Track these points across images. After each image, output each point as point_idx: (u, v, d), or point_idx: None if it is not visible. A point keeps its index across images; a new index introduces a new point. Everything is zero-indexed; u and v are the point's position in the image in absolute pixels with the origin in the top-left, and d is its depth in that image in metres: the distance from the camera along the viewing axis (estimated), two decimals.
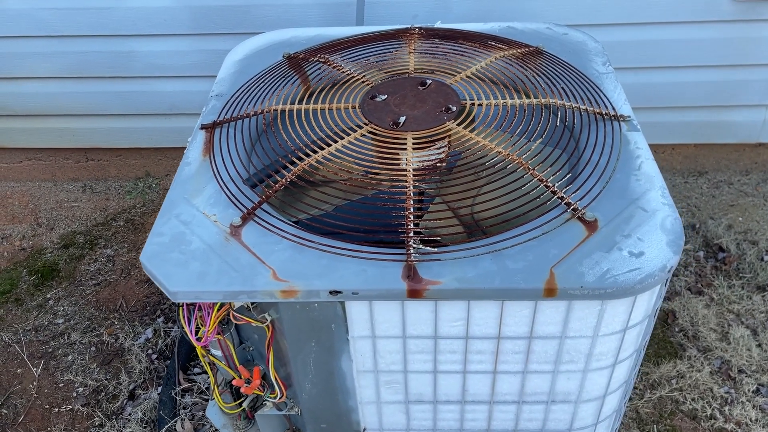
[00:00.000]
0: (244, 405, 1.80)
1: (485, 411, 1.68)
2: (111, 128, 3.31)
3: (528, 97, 1.77)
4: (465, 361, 1.54)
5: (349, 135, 1.64)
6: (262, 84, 1.92)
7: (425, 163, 1.62)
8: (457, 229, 1.62)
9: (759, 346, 2.47)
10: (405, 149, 1.58)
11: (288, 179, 1.55)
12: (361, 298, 1.38)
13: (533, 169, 1.50)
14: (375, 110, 1.71)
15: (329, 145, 1.62)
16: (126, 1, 2.84)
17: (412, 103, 1.72)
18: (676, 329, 2.57)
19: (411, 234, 1.39)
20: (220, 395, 1.79)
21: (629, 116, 1.72)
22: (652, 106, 3.08)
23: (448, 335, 1.48)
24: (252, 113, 1.80)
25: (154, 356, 2.56)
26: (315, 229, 1.46)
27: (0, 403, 2.42)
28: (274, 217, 1.49)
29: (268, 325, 1.53)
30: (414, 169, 1.53)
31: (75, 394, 2.45)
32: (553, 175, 1.51)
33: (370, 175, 1.56)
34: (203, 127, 1.81)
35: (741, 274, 2.76)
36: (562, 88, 1.79)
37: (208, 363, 1.73)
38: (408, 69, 1.90)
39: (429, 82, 1.79)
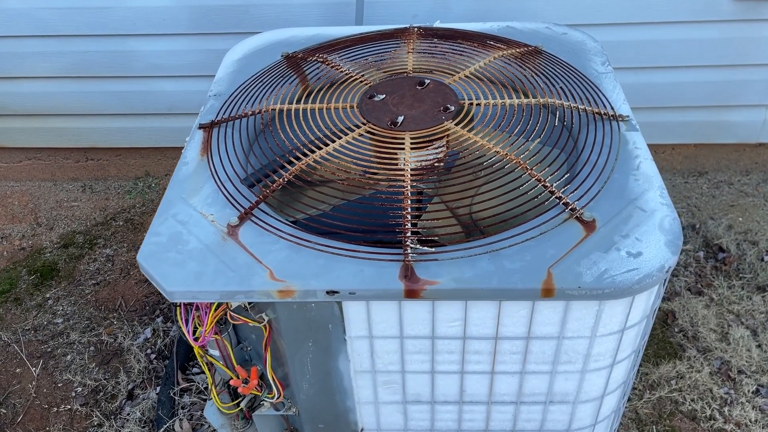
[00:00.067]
0: (242, 405, 1.80)
1: (483, 411, 1.68)
2: (110, 128, 3.31)
3: (527, 96, 1.77)
4: (462, 361, 1.54)
5: (347, 135, 1.64)
6: (261, 83, 1.92)
7: (423, 163, 1.61)
8: (455, 229, 1.61)
9: (759, 346, 2.46)
10: (403, 149, 1.58)
11: (285, 179, 1.55)
12: (358, 298, 1.37)
13: (531, 169, 1.49)
14: (373, 110, 1.71)
15: (327, 145, 1.61)
16: (125, 0, 2.84)
17: (410, 103, 1.72)
18: (676, 329, 2.56)
19: (408, 234, 1.39)
20: (217, 395, 1.79)
21: (628, 116, 1.72)
22: (652, 106, 3.07)
23: (446, 335, 1.48)
24: (250, 113, 1.79)
25: (153, 356, 2.56)
26: (312, 228, 1.46)
27: None
28: (271, 216, 1.49)
29: (265, 325, 1.52)
30: (412, 169, 1.53)
31: (74, 394, 2.44)
32: (551, 175, 1.51)
33: (367, 175, 1.56)
34: (201, 126, 1.81)
35: (741, 275, 2.75)
36: (561, 87, 1.79)
37: (206, 363, 1.73)
38: (406, 68, 1.90)
39: (427, 81, 1.78)
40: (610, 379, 1.59)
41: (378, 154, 1.58)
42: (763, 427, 2.23)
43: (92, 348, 2.60)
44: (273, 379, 1.64)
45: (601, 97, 1.78)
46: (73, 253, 3.06)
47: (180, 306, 1.55)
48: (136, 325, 2.68)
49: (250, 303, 1.51)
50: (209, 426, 2.23)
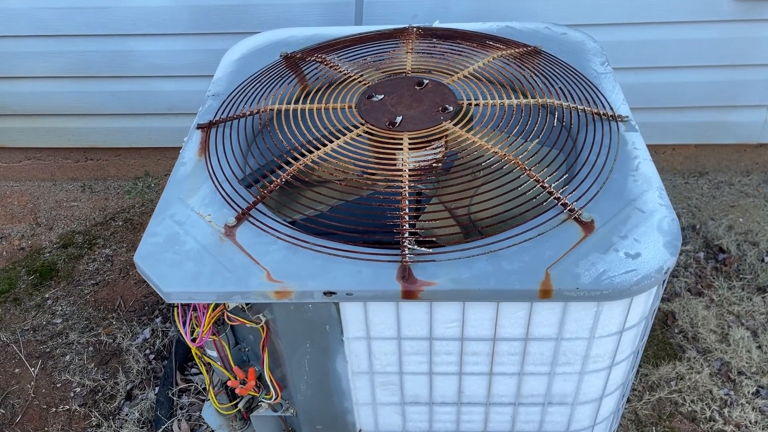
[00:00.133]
0: (240, 406, 1.79)
1: (481, 413, 1.68)
2: (110, 128, 3.31)
3: (525, 97, 1.76)
4: (461, 362, 1.53)
5: (345, 135, 1.63)
6: (259, 84, 1.92)
7: (421, 164, 1.61)
8: (454, 229, 1.61)
9: (759, 347, 2.46)
10: (401, 149, 1.57)
11: (283, 179, 1.54)
12: (356, 299, 1.37)
13: (530, 170, 1.49)
14: (371, 110, 1.70)
15: (325, 146, 1.61)
16: (125, 0, 2.83)
17: (408, 103, 1.71)
18: (676, 330, 2.56)
19: (406, 235, 1.39)
20: (215, 396, 1.79)
21: (627, 116, 1.71)
22: (652, 107, 3.06)
23: (444, 336, 1.47)
24: (248, 113, 1.79)
25: (152, 356, 2.55)
26: (310, 229, 1.46)
27: None
28: (268, 217, 1.49)
29: (262, 326, 1.52)
30: (410, 170, 1.52)
31: (72, 394, 2.44)
32: (550, 175, 1.50)
33: (365, 176, 1.55)
34: (199, 126, 1.80)
35: (741, 276, 2.75)
36: (560, 87, 1.78)
37: (204, 364, 1.72)
38: (405, 69, 1.89)
39: (426, 81, 1.78)
40: (608, 380, 1.58)
41: (376, 155, 1.58)
42: (763, 429, 2.22)
43: (91, 348, 2.60)
44: (271, 380, 1.64)
45: (600, 98, 1.77)
46: (73, 253, 3.05)
47: (177, 307, 1.55)
48: (135, 325, 2.68)
49: (247, 304, 1.51)
50: (207, 427, 2.23)
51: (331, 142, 1.62)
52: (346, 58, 1.97)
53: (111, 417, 2.35)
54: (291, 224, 1.48)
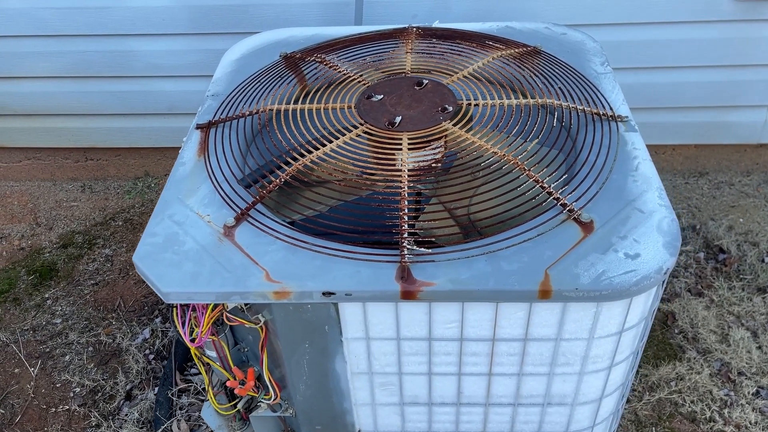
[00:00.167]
0: (239, 406, 1.79)
1: (481, 413, 1.67)
2: (110, 128, 3.31)
3: (525, 97, 1.76)
4: (460, 363, 1.53)
5: (344, 135, 1.63)
6: (259, 84, 1.92)
7: (421, 164, 1.61)
8: (453, 230, 1.61)
9: (759, 348, 2.45)
10: (400, 149, 1.57)
11: (282, 179, 1.54)
12: (355, 300, 1.36)
13: (529, 170, 1.49)
14: (371, 110, 1.70)
15: (324, 146, 1.61)
16: (125, 0, 2.83)
17: (408, 103, 1.71)
18: (676, 331, 2.55)
19: (405, 235, 1.38)
20: (214, 396, 1.78)
21: (627, 117, 1.71)
22: (652, 107, 3.06)
23: (443, 337, 1.47)
24: (248, 113, 1.79)
25: (152, 356, 2.55)
26: (309, 229, 1.45)
27: None
28: (267, 217, 1.49)
29: (261, 327, 1.52)
30: (409, 170, 1.52)
31: (72, 395, 2.44)
32: (549, 176, 1.50)
33: (365, 176, 1.55)
34: (198, 126, 1.80)
35: (741, 276, 2.74)
36: (560, 88, 1.78)
37: (203, 364, 1.72)
38: (405, 69, 1.89)
39: (425, 82, 1.78)
40: (608, 381, 1.58)
41: (375, 155, 1.58)
42: (763, 429, 2.22)
43: (91, 348, 2.60)
44: (270, 380, 1.63)
45: (600, 98, 1.77)
46: (72, 253, 3.05)
47: (176, 307, 1.54)
48: (135, 325, 2.68)
49: (246, 304, 1.50)
50: (206, 427, 2.23)
51: (331, 142, 1.62)
52: (345, 58, 1.97)
53: (110, 417, 2.35)
54: (290, 224, 1.48)
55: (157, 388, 2.41)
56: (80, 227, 3.21)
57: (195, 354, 1.68)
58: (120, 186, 3.47)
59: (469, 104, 1.72)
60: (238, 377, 1.66)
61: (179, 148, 1.77)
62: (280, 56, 2.05)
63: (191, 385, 2.42)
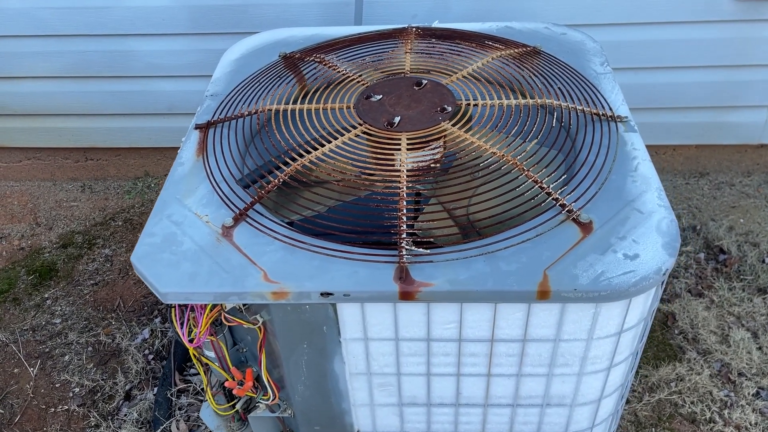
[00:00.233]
0: (238, 407, 1.79)
1: (479, 414, 1.67)
2: (110, 128, 3.30)
3: (524, 97, 1.76)
4: (458, 363, 1.53)
5: (343, 135, 1.63)
6: (258, 84, 1.91)
7: (420, 164, 1.60)
8: (452, 230, 1.60)
9: (759, 349, 2.45)
10: (399, 150, 1.57)
11: (281, 180, 1.54)
12: (353, 300, 1.36)
13: (528, 170, 1.48)
14: (370, 110, 1.70)
15: (323, 146, 1.60)
16: (124, 0, 2.83)
17: (407, 104, 1.71)
18: (676, 331, 2.55)
19: (403, 235, 1.38)
20: (213, 397, 1.78)
21: (626, 117, 1.71)
22: (652, 107, 3.06)
23: (441, 338, 1.47)
24: (247, 113, 1.79)
25: (151, 357, 2.55)
26: (307, 230, 1.45)
27: None
28: (266, 218, 1.48)
29: (260, 327, 1.52)
30: (408, 170, 1.52)
31: (71, 395, 2.44)
32: (549, 176, 1.50)
33: (363, 176, 1.55)
34: (197, 126, 1.80)
35: (742, 276, 2.74)
36: (559, 88, 1.77)
37: (202, 364, 1.72)
38: (404, 69, 1.89)
39: (425, 82, 1.77)
40: (607, 381, 1.57)
41: (374, 155, 1.57)
42: (763, 430, 2.21)
43: (90, 348, 2.60)
44: (268, 380, 1.63)
45: (599, 98, 1.77)
46: (72, 253, 3.05)
47: (175, 307, 1.54)
48: (134, 325, 2.68)
49: (244, 305, 1.50)
50: (205, 427, 2.23)
51: (329, 142, 1.61)
52: (345, 58, 1.97)
53: (110, 417, 2.35)
54: (289, 225, 1.48)
55: (156, 389, 2.41)
56: (80, 227, 3.21)
57: (193, 354, 1.68)
58: (120, 186, 3.47)
59: (469, 104, 1.72)
60: (237, 378, 1.66)
61: (179, 147, 1.77)
62: (280, 56, 2.05)
63: (190, 386, 2.42)
